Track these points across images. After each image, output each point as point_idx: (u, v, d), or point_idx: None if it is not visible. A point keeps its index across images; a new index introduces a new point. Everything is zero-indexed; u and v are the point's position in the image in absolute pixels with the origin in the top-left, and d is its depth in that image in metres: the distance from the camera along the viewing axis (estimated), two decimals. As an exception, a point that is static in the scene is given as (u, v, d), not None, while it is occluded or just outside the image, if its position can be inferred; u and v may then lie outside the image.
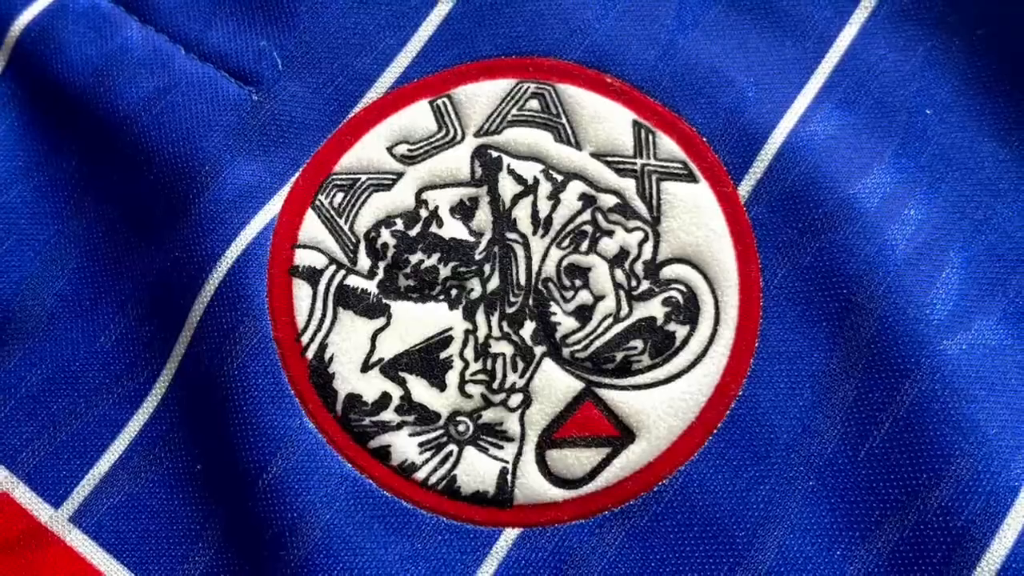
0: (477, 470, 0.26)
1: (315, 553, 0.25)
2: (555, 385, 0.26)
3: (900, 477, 0.25)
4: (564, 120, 0.28)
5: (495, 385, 0.26)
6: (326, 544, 0.25)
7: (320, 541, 0.25)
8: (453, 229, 0.27)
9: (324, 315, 0.27)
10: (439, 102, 0.29)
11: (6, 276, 0.28)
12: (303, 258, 0.27)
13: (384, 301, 0.27)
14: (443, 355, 0.27)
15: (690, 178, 0.28)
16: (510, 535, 0.26)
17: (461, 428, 0.26)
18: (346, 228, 0.28)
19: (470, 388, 0.26)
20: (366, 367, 0.27)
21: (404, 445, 0.26)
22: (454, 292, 0.27)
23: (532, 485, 0.26)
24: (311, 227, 0.28)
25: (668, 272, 0.27)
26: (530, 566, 0.25)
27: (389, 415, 0.26)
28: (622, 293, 0.27)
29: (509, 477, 0.26)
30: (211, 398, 0.27)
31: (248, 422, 0.26)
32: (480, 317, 0.27)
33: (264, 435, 0.26)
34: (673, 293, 0.27)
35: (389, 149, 0.28)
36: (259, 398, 0.26)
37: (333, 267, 0.27)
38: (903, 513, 0.25)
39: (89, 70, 0.29)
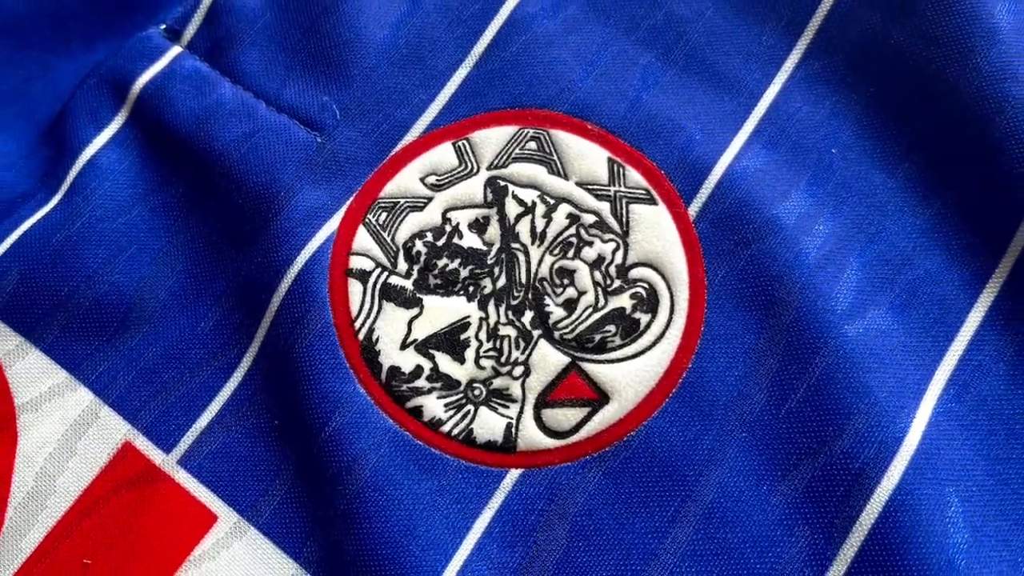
0: (489, 425, 0.29)
1: (365, 488, 0.28)
2: (548, 360, 0.29)
3: (812, 430, 0.27)
4: (555, 157, 0.31)
5: (502, 359, 0.29)
6: (373, 481, 0.28)
7: (368, 479, 0.28)
8: (470, 240, 0.30)
9: (372, 306, 0.30)
10: (460, 143, 0.31)
11: (128, 275, 0.30)
12: (356, 263, 0.30)
13: (417, 295, 0.30)
14: (463, 336, 0.30)
15: (651, 201, 0.30)
16: (514, 474, 0.29)
17: (476, 392, 0.30)
18: (389, 239, 0.30)
19: (483, 362, 0.29)
20: (404, 346, 0.30)
21: (433, 406, 0.29)
22: (471, 289, 0.30)
23: (531, 436, 0.29)
24: (362, 239, 0.30)
25: (635, 273, 0.30)
26: (529, 498, 0.28)
27: (421, 383, 0.30)
28: (599, 289, 0.30)
29: (513, 430, 0.29)
30: (285, 370, 0.29)
31: (313, 388, 0.29)
32: (491, 308, 0.30)
33: (325, 398, 0.28)
34: (639, 289, 0.30)
35: (421, 179, 0.31)
36: (321, 370, 0.29)
37: (379, 270, 0.30)
38: (814, 458, 0.27)
39: (192, 119, 0.31)
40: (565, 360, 0.29)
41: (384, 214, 0.30)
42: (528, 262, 0.30)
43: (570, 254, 0.30)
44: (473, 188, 0.31)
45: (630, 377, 0.29)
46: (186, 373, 0.30)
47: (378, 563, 0.27)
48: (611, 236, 0.30)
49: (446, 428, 0.29)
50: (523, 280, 0.30)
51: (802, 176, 0.30)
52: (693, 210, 0.30)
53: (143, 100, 0.32)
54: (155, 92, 0.32)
